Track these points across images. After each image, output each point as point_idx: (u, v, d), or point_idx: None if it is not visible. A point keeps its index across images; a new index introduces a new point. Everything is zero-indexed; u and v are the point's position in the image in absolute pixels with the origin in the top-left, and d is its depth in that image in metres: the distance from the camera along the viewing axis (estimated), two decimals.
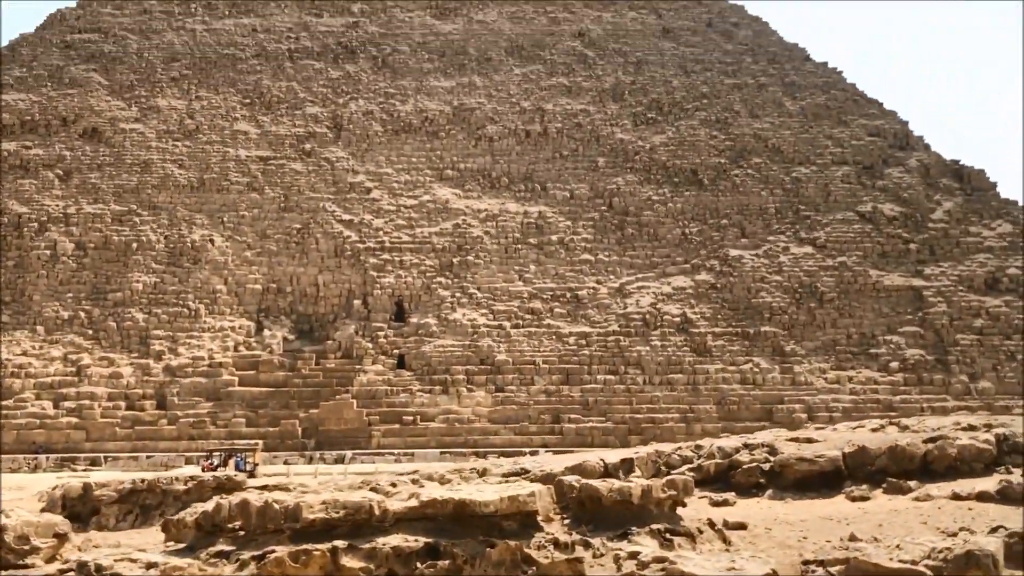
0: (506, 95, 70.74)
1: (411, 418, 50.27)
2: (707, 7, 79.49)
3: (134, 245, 58.64)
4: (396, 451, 48.18)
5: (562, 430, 49.72)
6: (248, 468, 41.27)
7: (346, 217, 61.12)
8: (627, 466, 14.83)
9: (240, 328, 55.67)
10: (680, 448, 17.64)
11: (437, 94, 70.71)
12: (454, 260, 58.97)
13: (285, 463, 47.00)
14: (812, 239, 60.67)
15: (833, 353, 54.45)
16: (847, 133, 67.90)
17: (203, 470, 41.05)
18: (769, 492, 15.99)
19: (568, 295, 57.53)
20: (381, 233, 60.22)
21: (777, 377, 52.58)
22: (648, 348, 53.87)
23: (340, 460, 47.47)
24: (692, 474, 15.26)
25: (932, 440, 16.24)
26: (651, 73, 72.64)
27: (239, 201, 62.09)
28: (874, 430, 19.48)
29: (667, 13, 78.67)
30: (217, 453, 42.47)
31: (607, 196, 63.91)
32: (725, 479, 16.53)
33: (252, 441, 48.55)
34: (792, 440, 17.36)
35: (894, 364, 53.48)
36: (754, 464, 16.25)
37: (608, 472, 14.72)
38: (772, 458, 16.26)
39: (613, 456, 15.93)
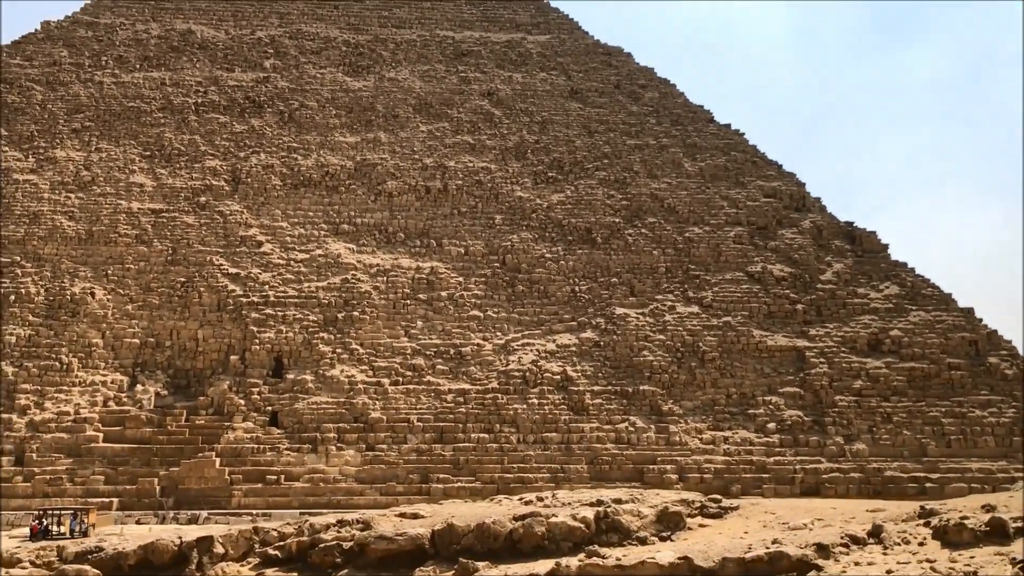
0: (410, 151, 71.04)
1: (275, 477, 49.13)
2: (616, 70, 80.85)
3: (12, 297, 57.56)
4: (255, 511, 47.00)
5: (430, 490, 48.74)
6: (82, 529, 40.11)
7: (233, 271, 60.52)
8: (205, 545, 14.19)
9: (112, 383, 54.50)
10: (288, 524, 17.05)
11: (341, 149, 70.88)
12: (339, 315, 58.42)
13: (137, 523, 45.69)
14: (699, 298, 60.89)
15: (711, 413, 54.22)
16: (743, 194, 68.73)
17: (32, 531, 39.87)
18: (345, 572, 15.43)
19: (452, 352, 57.08)
20: (267, 287, 59.64)
21: (652, 437, 52.16)
22: (525, 406, 53.35)
23: (194, 520, 46.22)
24: (276, 552, 14.66)
25: (522, 518, 15.83)
26: (555, 133, 73.40)
27: (126, 254, 61.33)
28: (528, 502, 19.04)
29: (577, 75, 79.87)
30: (52, 513, 41.13)
31: (501, 253, 63.93)
32: (304, 558, 15.96)
33: (106, 500, 47.35)
34: (400, 516, 16.89)
35: (771, 425, 53.30)
36: (335, 543, 15.71)
37: (181, 553, 14.10)
38: (361, 535, 15.73)
39: (192, 534, 15.33)
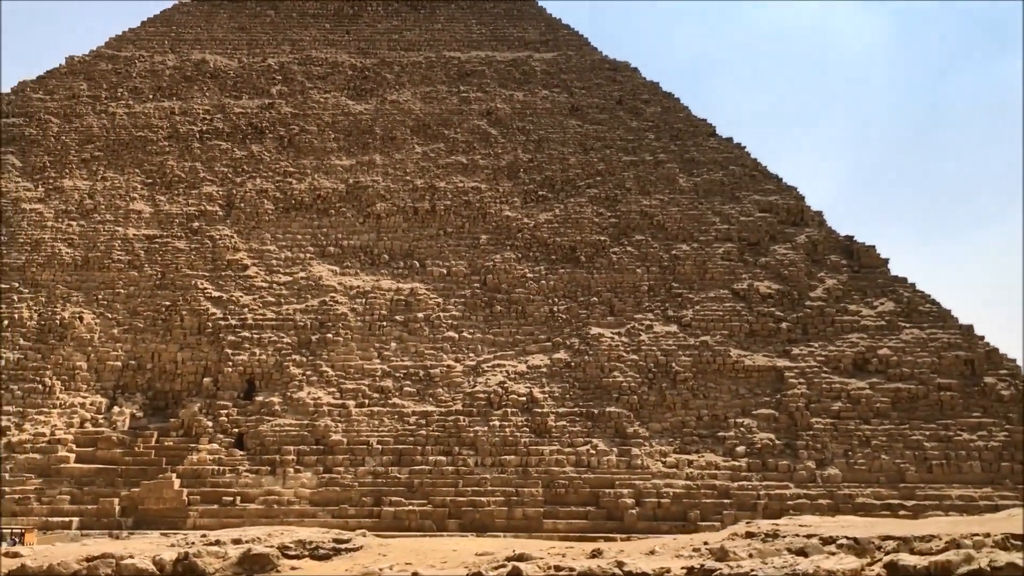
0: (402, 173, 71.43)
1: (231, 499, 49.71)
2: (620, 85, 79.82)
3: (6, 322, 59.94)
4: (209, 532, 47.50)
5: (381, 513, 48.55)
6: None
7: (216, 294, 61.73)
8: None
9: (91, 404, 56.10)
10: None
11: (335, 172, 71.76)
12: (313, 337, 58.91)
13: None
14: (679, 317, 59.28)
15: (679, 436, 52.56)
16: (737, 209, 66.79)
17: None
18: None
19: (421, 373, 56.89)
20: (246, 310, 60.61)
21: (613, 460, 50.82)
22: (486, 428, 52.71)
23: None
24: None
25: (92, 559, 15.39)
26: (550, 151, 72.75)
27: (117, 279, 63.24)
28: (191, 544, 18.43)
29: (579, 91, 79.17)
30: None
31: (483, 273, 63.56)
32: None
33: (67, 519, 48.72)
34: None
35: (740, 448, 51.35)
36: None
37: None
38: None
39: None
